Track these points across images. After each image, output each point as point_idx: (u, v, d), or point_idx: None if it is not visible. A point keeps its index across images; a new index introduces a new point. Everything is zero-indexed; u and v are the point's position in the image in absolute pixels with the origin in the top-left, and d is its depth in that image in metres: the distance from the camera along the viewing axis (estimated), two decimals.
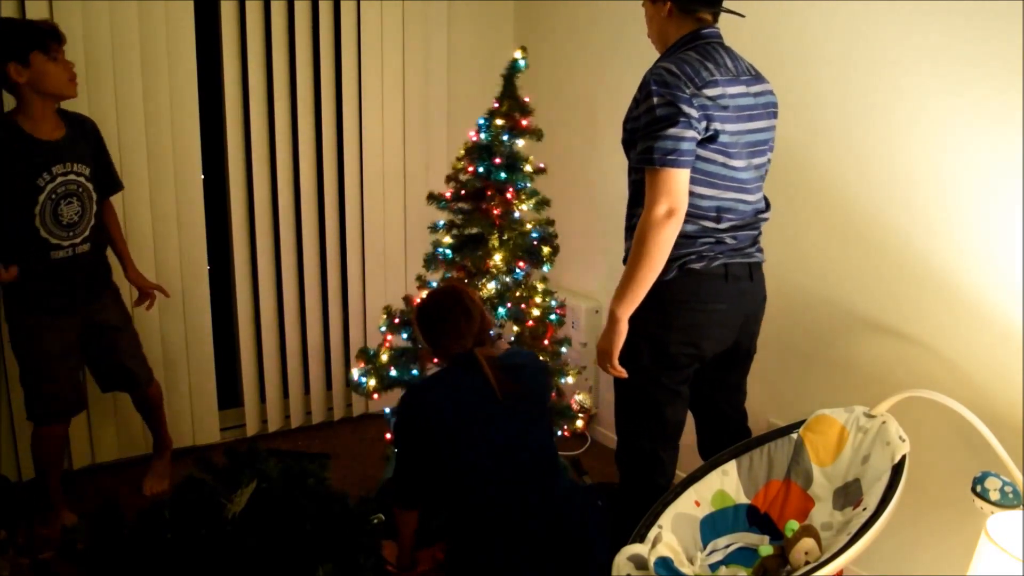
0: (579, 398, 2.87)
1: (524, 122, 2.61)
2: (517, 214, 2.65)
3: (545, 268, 2.71)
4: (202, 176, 3.10)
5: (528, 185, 2.64)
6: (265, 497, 1.80)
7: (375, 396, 2.75)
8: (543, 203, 2.69)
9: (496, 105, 2.62)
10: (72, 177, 2.41)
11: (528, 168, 2.63)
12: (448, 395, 2.02)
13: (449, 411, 2.00)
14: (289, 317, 3.39)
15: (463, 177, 2.66)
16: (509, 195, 2.62)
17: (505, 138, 2.58)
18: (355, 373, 2.76)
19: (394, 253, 3.54)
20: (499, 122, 2.59)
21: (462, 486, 2.02)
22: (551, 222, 2.75)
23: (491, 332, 2.18)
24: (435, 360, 2.30)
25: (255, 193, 3.21)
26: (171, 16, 2.91)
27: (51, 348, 2.47)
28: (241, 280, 3.28)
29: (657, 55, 2.02)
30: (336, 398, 3.57)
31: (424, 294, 2.49)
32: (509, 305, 2.65)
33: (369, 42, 3.30)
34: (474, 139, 2.64)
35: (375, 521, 2.09)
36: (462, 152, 2.67)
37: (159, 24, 2.89)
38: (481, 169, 2.61)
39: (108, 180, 2.60)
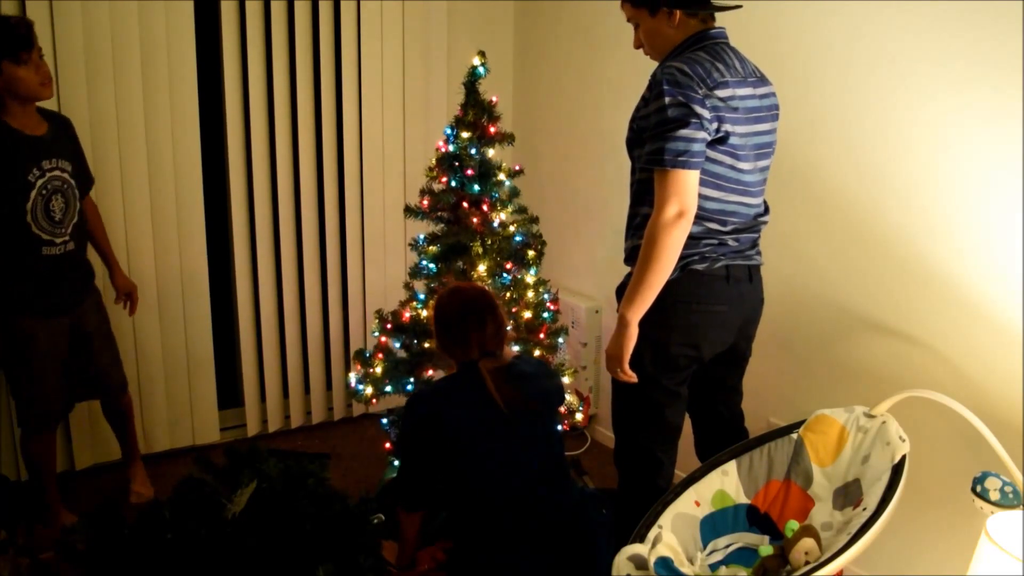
0: (569, 398, 2.83)
1: (492, 129, 2.50)
2: (497, 222, 2.56)
3: (532, 271, 2.65)
4: (202, 176, 3.09)
5: (508, 198, 2.54)
6: (265, 497, 1.79)
7: (374, 402, 2.75)
8: (521, 211, 2.61)
9: (461, 114, 2.52)
10: (58, 173, 2.40)
11: (502, 176, 2.55)
12: (453, 406, 2.01)
13: (454, 422, 1.99)
14: (289, 317, 3.39)
15: (436, 188, 2.59)
16: (485, 207, 2.53)
17: (473, 151, 2.48)
18: (352, 378, 2.73)
19: (394, 253, 3.54)
20: (465, 135, 2.49)
21: (468, 493, 2.02)
22: (535, 220, 2.69)
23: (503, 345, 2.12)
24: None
25: (255, 193, 3.21)
26: (171, 16, 2.92)
27: (44, 351, 2.43)
28: (241, 280, 3.28)
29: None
30: (336, 398, 3.57)
31: (450, 286, 2.37)
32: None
33: (369, 42, 3.30)
34: (443, 150, 2.54)
35: (375, 521, 2.09)
36: (432, 163, 2.58)
37: (159, 24, 2.89)
38: (454, 183, 2.52)
39: (84, 176, 2.57)
